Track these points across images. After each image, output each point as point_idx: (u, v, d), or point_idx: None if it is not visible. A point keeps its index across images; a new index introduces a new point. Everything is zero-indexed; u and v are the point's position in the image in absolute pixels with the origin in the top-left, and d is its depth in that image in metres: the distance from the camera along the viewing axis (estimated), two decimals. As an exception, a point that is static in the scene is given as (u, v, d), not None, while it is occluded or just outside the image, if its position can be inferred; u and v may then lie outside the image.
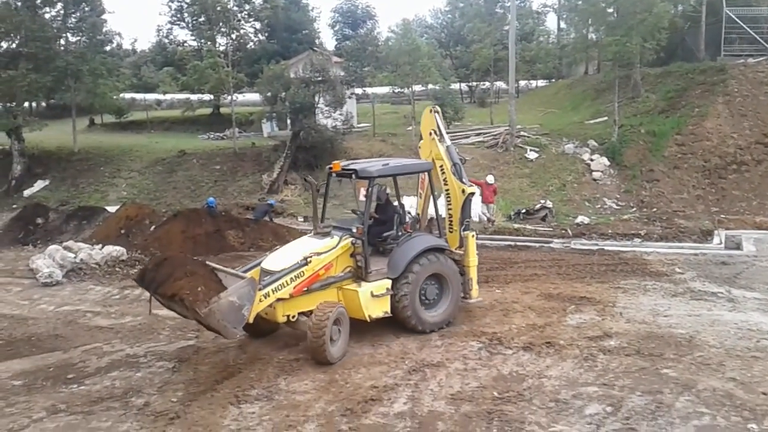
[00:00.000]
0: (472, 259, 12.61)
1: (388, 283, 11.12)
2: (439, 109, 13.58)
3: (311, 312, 10.25)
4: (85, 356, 11.24)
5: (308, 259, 10.36)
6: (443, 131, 13.12)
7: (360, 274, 11.03)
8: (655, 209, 23.22)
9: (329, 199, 12.68)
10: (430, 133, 13.01)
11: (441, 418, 8.62)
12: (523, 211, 22.71)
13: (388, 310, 11.19)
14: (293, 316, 10.38)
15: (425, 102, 36.05)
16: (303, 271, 10.30)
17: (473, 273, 12.62)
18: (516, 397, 9.14)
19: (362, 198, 11.80)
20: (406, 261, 11.27)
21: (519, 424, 8.37)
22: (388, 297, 11.11)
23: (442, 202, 13.00)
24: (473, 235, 12.64)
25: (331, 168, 11.66)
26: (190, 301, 8.79)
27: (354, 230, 11.05)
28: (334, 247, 10.82)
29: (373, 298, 10.92)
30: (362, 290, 10.86)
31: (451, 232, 12.70)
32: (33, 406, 9.25)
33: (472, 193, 12.70)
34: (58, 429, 8.54)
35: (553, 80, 48.19)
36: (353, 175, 11.23)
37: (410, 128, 30.39)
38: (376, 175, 11.32)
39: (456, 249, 12.40)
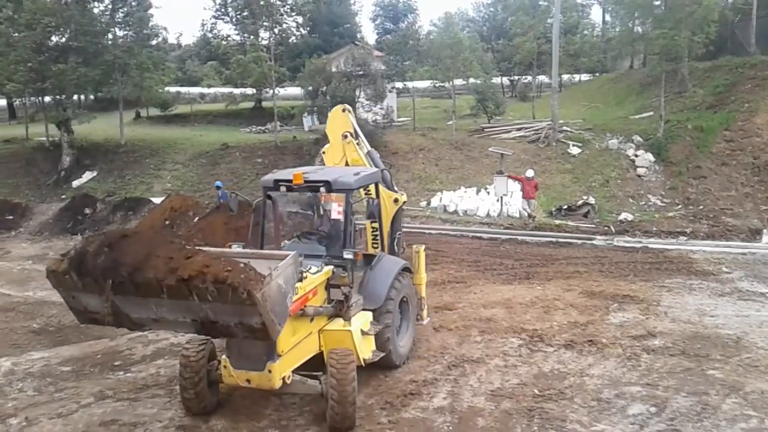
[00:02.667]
0: (423, 277, 11.20)
1: (368, 315, 9.36)
2: (350, 108, 11.82)
3: (300, 365, 8.42)
4: (132, 344, 11.53)
5: (303, 274, 8.18)
6: (360, 133, 11.51)
7: (340, 310, 8.86)
8: (701, 207, 22.68)
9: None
10: (345, 136, 11.25)
11: (481, 414, 8.62)
12: (565, 207, 22.43)
13: (375, 348, 9.42)
14: (288, 377, 8.10)
15: (466, 96, 35.90)
16: (297, 288, 7.89)
17: (424, 292, 11.30)
18: (557, 395, 9.09)
19: (337, 216, 9.53)
20: (386, 287, 9.65)
21: (560, 422, 8.31)
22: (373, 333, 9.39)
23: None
24: (424, 250, 11.33)
25: (285, 181, 9.25)
26: (240, 279, 6.31)
27: (350, 255, 8.97)
28: (317, 272, 8.58)
29: (363, 337, 9.09)
30: (354, 329, 8.87)
31: (375, 247, 10.90)
32: (81, 392, 9.55)
33: (405, 202, 11.19)
34: (106, 414, 8.79)
35: (597, 74, 47.35)
36: (323, 188, 9.06)
37: (450, 122, 30.25)
38: (356, 186, 9.48)
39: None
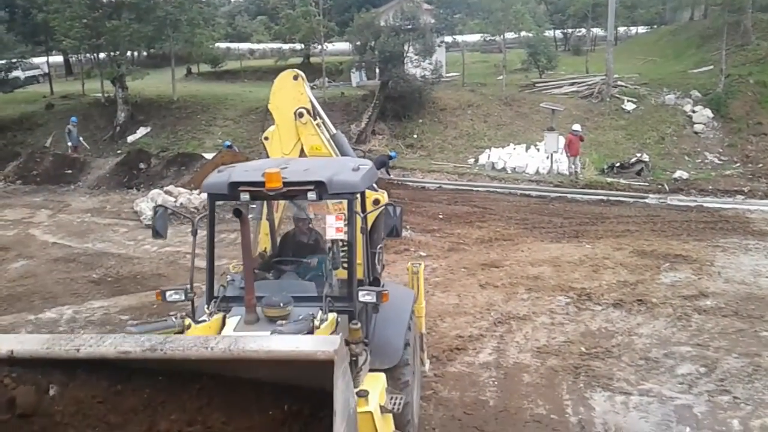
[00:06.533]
0: (423, 307, 8.12)
1: (382, 379, 6.16)
2: (304, 75, 8.32)
3: None
4: (187, 295, 11.90)
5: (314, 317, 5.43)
6: (320, 110, 8.39)
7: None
8: (760, 165, 21.89)
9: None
10: (300, 114, 7.92)
11: (526, 370, 8.68)
12: (618, 164, 21.93)
13: (394, 428, 6.21)
14: None
15: (517, 50, 35.08)
16: None
17: (423, 326, 8.22)
18: (604, 353, 9.09)
19: (336, 235, 6.00)
20: (401, 336, 6.67)
21: (606, 380, 8.32)
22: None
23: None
24: (423, 268, 8.24)
25: (250, 184, 5.81)
26: None
27: (371, 298, 5.85)
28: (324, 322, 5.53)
29: (383, 416, 5.83)
30: (373, 407, 5.52)
31: (345, 267, 6.35)
32: (139, 340, 9.93)
33: (386, 203, 6.88)
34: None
35: (655, 26, 45.62)
36: (312, 193, 5.76)
37: (501, 78, 29.69)
38: (362, 187, 6.36)
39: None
